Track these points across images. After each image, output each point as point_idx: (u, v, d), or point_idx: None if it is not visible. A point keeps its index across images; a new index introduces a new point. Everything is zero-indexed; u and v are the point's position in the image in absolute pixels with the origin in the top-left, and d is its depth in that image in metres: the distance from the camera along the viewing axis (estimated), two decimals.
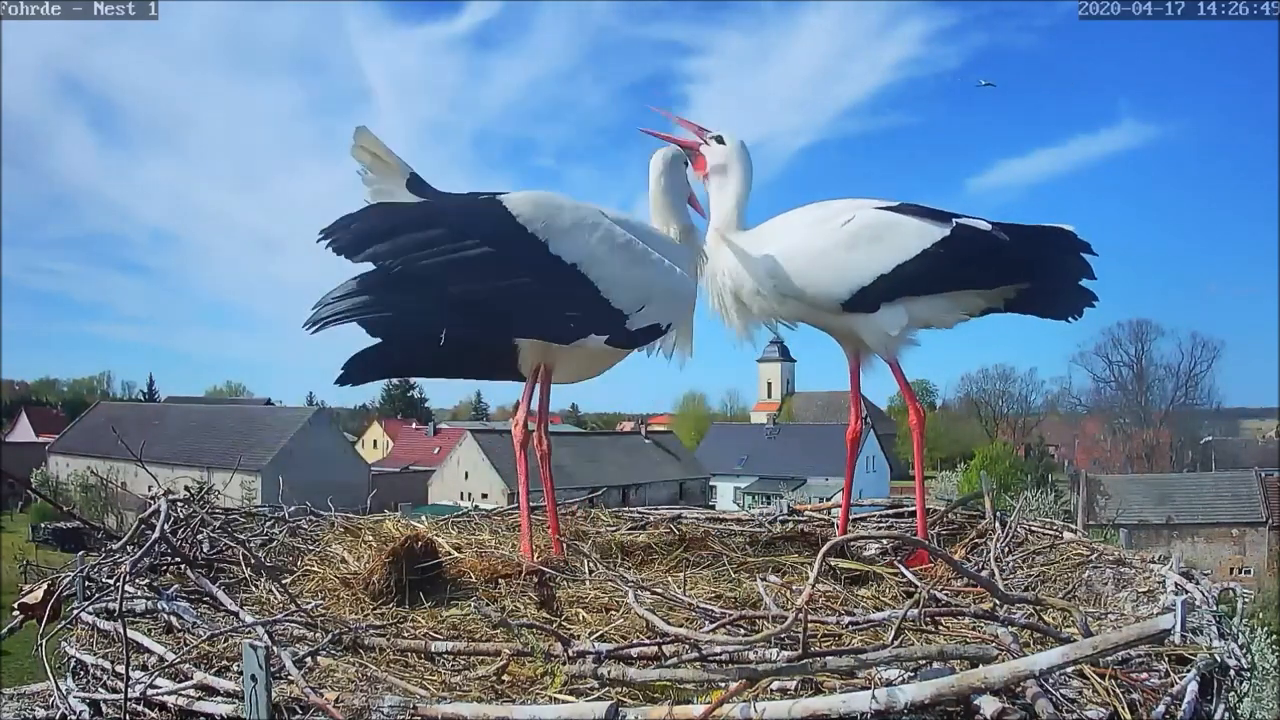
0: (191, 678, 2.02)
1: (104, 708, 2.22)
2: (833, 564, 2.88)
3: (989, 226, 3.12)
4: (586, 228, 2.90)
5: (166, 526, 2.74)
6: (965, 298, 3.22)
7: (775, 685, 1.86)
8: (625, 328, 2.94)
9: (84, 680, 2.38)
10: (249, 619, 2.31)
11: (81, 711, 2.27)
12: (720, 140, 3.34)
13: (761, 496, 38.25)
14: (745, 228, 3.31)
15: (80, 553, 3.07)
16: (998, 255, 3.10)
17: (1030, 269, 3.19)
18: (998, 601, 2.30)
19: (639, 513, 4.15)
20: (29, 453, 44.06)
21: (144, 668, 2.15)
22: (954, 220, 3.10)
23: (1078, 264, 3.24)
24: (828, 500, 4.50)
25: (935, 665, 1.78)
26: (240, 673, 1.86)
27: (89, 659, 2.35)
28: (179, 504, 3.07)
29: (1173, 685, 1.88)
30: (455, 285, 2.78)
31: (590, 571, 2.90)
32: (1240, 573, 28.55)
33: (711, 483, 48.09)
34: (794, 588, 2.67)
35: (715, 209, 3.33)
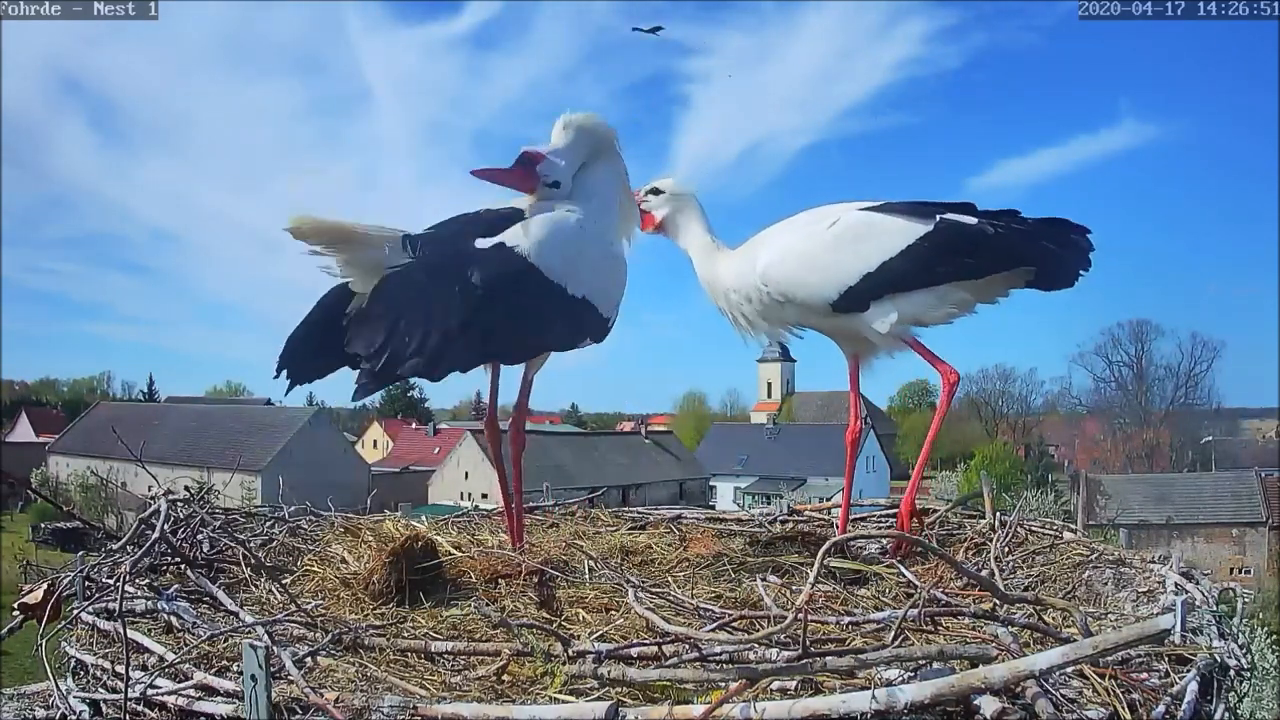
0: (191, 678, 2.02)
1: (104, 708, 2.22)
2: (832, 564, 2.88)
3: (975, 220, 3.13)
4: (590, 261, 2.99)
5: (166, 526, 2.74)
6: (955, 292, 3.22)
7: (775, 685, 1.86)
8: (607, 328, 3.11)
9: (84, 680, 2.38)
10: (249, 619, 2.31)
11: (81, 711, 2.27)
12: (656, 191, 3.40)
13: (761, 496, 38.27)
14: (727, 245, 3.37)
15: (80, 553, 3.07)
16: (983, 247, 3.11)
17: (1018, 259, 3.20)
18: (998, 601, 2.30)
19: (639, 513, 4.16)
20: (29, 453, 44.07)
21: (144, 668, 2.14)
22: (938, 215, 3.11)
23: (1075, 253, 3.24)
24: (828, 500, 4.50)
25: (935, 665, 1.78)
26: (240, 673, 1.86)
27: (89, 659, 2.34)
28: (179, 504, 3.07)
29: (1173, 685, 1.88)
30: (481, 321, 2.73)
31: (590, 571, 2.90)
32: (1240, 573, 28.57)
33: (711, 483, 48.10)
34: (794, 588, 2.67)
35: (691, 243, 3.38)
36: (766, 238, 3.28)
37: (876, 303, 3.12)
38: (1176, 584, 2.68)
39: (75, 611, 2.53)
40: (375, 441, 65.87)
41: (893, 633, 2.02)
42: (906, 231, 3.09)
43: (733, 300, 3.29)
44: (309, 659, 2.08)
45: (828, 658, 1.81)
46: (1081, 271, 3.24)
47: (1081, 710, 1.73)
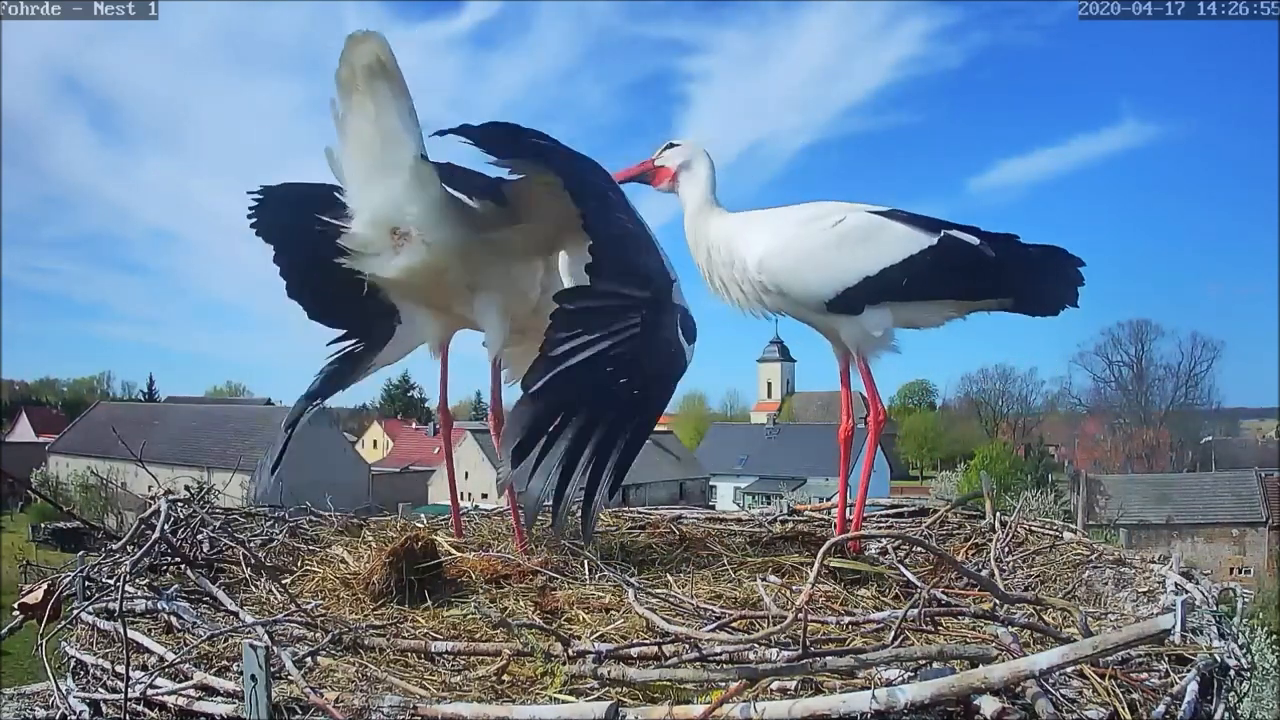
0: (191, 678, 2.02)
1: (104, 708, 2.22)
2: (832, 564, 2.88)
3: (977, 240, 3.11)
4: None
5: (166, 526, 2.75)
6: (947, 306, 3.23)
7: (775, 685, 1.86)
8: None
9: (84, 680, 2.38)
10: (249, 619, 2.31)
11: (81, 711, 2.27)
12: (673, 144, 3.41)
13: (761, 496, 38.25)
14: (724, 209, 3.35)
15: (80, 553, 3.07)
16: (981, 270, 3.11)
17: (1014, 287, 3.22)
18: (998, 601, 2.30)
19: (639, 513, 4.15)
20: (29, 453, 44.01)
21: (144, 668, 2.15)
22: (942, 230, 3.10)
23: (1065, 285, 3.27)
24: (828, 500, 4.50)
25: (935, 665, 1.78)
26: (240, 673, 1.87)
27: (89, 659, 2.35)
28: (179, 504, 3.07)
29: (1173, 685, 1.88)
30: None
31: (590, 571, 2.90)
32: (1240, 573, 28.53)
33: (711, 483, 48.10)
34: (794, 588, 2.67)
35: (690, 196, 3.36)
36: (764, 222, 3.23)
37: (872, 307, 3.11)
38: (1176, 584, 2.68)
39: (75, 611, 2.53)
40: (375, 441, 65.81)
41: (893, 633, 2.02)
42: (910, 241, 3.07)
43: (714, 260, 3.27)
44: (309, 659, 2.08)
45: (828, 658, 1.81)
46: (1067, 304, 3.30)
47: (1081, 710, 1.73)
